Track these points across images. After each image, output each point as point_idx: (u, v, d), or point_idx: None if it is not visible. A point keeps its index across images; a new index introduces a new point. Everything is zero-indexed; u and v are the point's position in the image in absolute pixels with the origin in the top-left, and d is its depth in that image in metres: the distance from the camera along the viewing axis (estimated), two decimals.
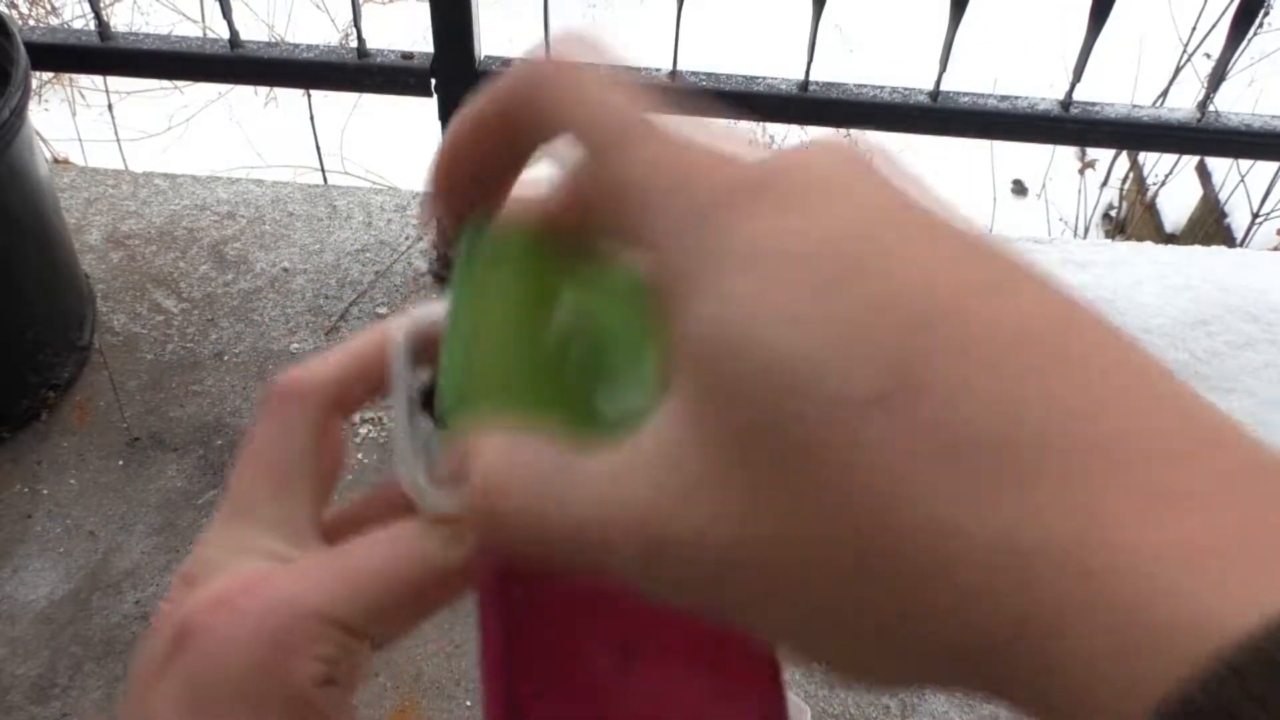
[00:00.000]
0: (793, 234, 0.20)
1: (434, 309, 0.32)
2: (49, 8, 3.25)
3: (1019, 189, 3.43)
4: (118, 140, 2.68)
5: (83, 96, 3.20)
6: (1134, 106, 1.45)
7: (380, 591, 0.28)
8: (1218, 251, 1.75)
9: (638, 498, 0.21)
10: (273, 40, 2.65)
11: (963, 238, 0.20)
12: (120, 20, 3.24)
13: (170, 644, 0.28)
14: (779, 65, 1.54)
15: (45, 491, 1.36)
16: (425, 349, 0.32)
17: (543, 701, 0.27)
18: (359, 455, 1.40)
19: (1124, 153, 3.11)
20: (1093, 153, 3.28)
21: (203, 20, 3.12)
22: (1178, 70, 2.75)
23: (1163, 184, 2.98)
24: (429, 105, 1.51)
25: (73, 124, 2.84)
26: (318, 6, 3.40)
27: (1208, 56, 2.18)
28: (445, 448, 0.30)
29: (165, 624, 0.28)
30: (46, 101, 3.23)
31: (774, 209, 0.21)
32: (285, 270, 1.63)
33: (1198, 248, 1.76)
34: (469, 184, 0.28)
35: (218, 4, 1.51)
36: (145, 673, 0.28)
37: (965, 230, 0.21)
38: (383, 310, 1.58)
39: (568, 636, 0.28)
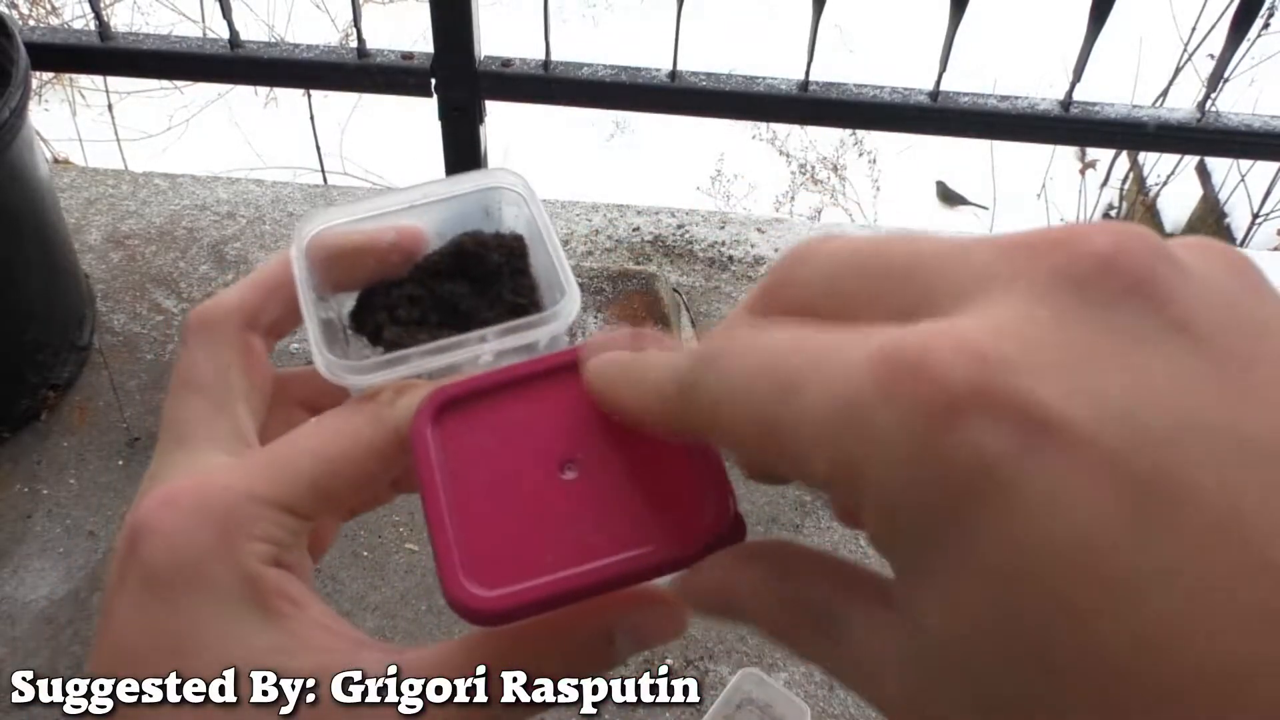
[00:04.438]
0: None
1: (324, 216, 0.35)
2: (49, 8, 3.25)
3: (947, 196, 3.41)
4: (118, 140, 2.68)
5: (83, 96, 3.20)
6: (1134, 106, 1.45)
7: (313, 469, 0.29)
8: None
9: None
10: (273, 40, 2.65)
11: None
12: (120, 20, 3.24)
13: (125, 546, 0.29)
14: (779, 65, 1.54)
15: (45, 491, 1.36)
16: (331, 258, 0.34)
17: (480, 510, 0.28)
18: None
19: (1124, 153, 3.11)
20: (1093, 153, 3.28)
21: (203, 20, 3.12)
22: (1178, 70, 2.75)
23: (1164, 184, 2.98)
24: (429, 105, 1.51)
25: (73, 124, 2.84)
26: (318, 6, 3.40)
27: (1211, 57, 2.18)
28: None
29: (121, 538, 0.30)
30: (46, 101, 3.23)
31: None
32: None
33: None
34: None
35: (218, 4, 1.51)
36: (110, 581, 0.29)
37: None
38: None
39: (502, 456, 0.29)
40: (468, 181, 0.35)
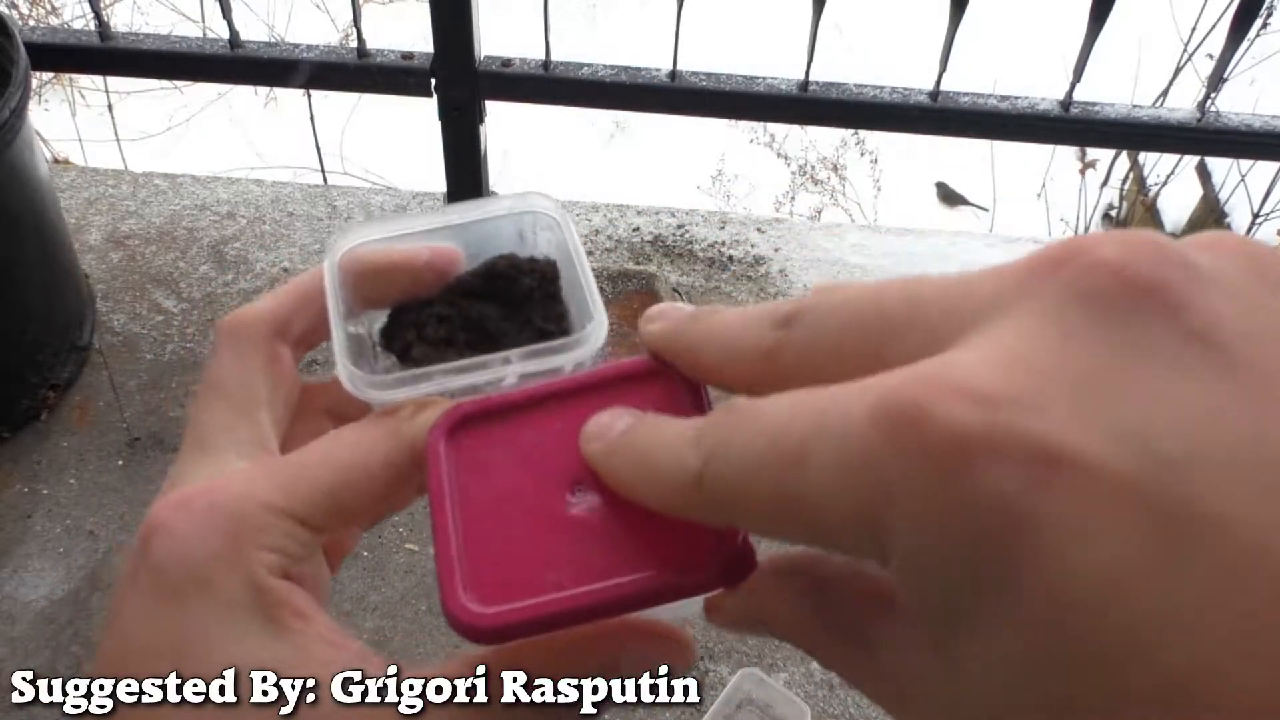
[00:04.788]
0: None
1: (360, 231, 0.35)
2: (49, 8, 3.25)
3: (947, 196, 3.41)
4: (118, 140, 2.68)
5: (83, 96, 3.20)
6: (1134, 106, 1.45)
7: (329, 481, 0.29)
8: None
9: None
10: (273, 40, 2.64)
11: None
12: (120, 20, 3.23)
13: (138, 547, 0.29)
14: (779, 65, 1.54)
15: (45, 491, 1.36)
16: (364, 274, 0.35)
17: (487, 528, 0.28)
18: None
19: (1124, 153, 3.11)
20: (1093, 153, 3.28)
21: (203, 20, 3.12)
22: (1178, 70, 2.75)
23: (1163, 184, 2.98)
24: (429, 105, 1.51)
25: (73, 124, 2.84)
26: (318, 6, 3.40)
27: (1210, 57, 2.18)
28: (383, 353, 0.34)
29: (136, 537, 0.30)
30: (46, 101, 3.23)
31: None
32: (285, 270, 1.63)
33: None
34: None
35: (218, 4, 1.51)
36: (121, 581, 0.29)
37: None
38: None
39: (514, 475, 0.29)
40: (503, 204, 0.35)
